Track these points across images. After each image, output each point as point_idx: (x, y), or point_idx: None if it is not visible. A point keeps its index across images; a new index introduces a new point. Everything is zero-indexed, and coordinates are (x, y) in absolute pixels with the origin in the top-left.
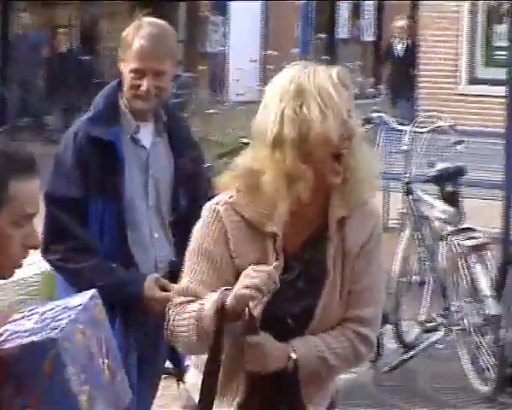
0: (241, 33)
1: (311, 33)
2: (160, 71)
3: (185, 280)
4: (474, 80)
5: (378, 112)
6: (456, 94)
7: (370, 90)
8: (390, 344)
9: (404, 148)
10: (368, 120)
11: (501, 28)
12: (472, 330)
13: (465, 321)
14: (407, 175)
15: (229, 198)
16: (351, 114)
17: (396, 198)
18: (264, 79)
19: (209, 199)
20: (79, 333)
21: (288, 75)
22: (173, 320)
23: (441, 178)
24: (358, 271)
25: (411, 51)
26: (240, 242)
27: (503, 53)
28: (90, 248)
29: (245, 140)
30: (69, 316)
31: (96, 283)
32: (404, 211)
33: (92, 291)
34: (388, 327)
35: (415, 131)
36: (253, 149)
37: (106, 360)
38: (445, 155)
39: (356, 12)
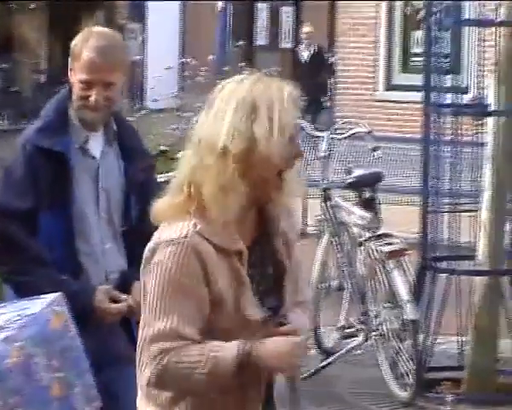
0: (159, 41)
1: (230, 40)
2: (108, 82)
3: (166, 322)
4: (391, 86)
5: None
6: (373, 100)
7: None
8: (310, 350)
9: (322, 154)
10: None
11: (417, 34)
12: (390, 335)
13: (384, 326)
14: (325, 181)
15: (195, 227)
16: (297, 134)
17: (314, 204)
18: (182, 86)
19: None
20: (16, 352)
21: (244, 88)
22: (166, 366)
23: (359, 184)
24: (295, 260)
25: (318, 56)
26: (215, 268)
27: (420, 59)
28: (39, 260)
29: (163, 148)
30: (13, 329)
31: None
32: (323, 217)
33: (54, 296)
34: None
35: (332, 138)
36: (194, 159)
37: (57, 374)
38: (363, 160)
39: (274, 19)
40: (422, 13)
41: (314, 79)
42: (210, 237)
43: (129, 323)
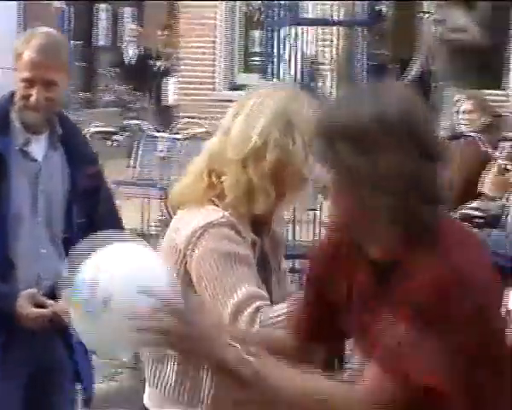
0: None
1: (70, 41)
2: (50, 81)
3: (240, 290)
4: (232, 86)
5: (135, 119)
6: (214, 100)
7: (128, 97)
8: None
9: (162, 155)
10: (124, 128)
11: (257, 34)
12: None
13: None
14: (165, 182)
15: (226, 211)
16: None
17: (154, 205)
18: None
19: (111, 216)
20: None
21: (280, 104)
22: (264, 324)
23: None
24: (283, 261)
25: (144, 58)
26: (250, 250)
27: (259, 59)
28: None
29: None
30: None
31: None
32: (163, 218)
33: None
34: None
35: (172, 138)
36: (217, 149)
37: None
38: None
39: (115, 19)
40: (261, 13)
41: (139, 81)
42: (235, 222)
43: (66, 331)
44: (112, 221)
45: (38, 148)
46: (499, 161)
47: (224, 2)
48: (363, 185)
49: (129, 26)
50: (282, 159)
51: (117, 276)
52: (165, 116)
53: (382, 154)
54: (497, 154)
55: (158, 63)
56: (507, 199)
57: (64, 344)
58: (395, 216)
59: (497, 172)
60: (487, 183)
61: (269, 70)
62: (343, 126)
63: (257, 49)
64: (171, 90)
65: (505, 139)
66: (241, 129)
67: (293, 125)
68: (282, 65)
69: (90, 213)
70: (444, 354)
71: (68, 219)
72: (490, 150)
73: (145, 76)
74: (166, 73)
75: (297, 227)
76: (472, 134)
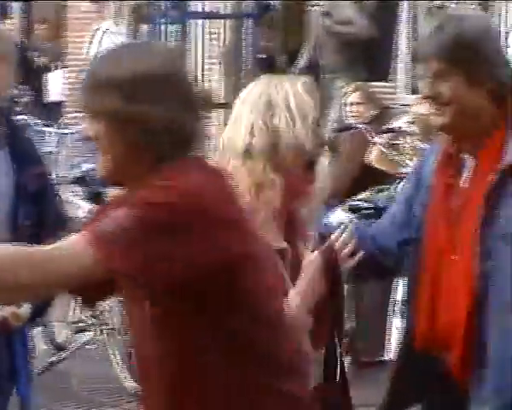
0: None
1: None
2: None
3: None
4: None
5: (22, 114)
6: None
7: (14, 92)
8: (41, 345)
9: (50, 149)
10: None
11: (145, 28)
12: (122, 329)
13: (115, 320)
14: (53, 176)
15: None
16: (319, 122)
17: None
18: None
19: (58, 219)
20: None
21: (257, 90)
22: None
23: (86, 179)
24: None
25: (21, 50)
26: None
27: None
28: None
29: None
30: None
31: None
32: None
33: None
34: (39, 329)
35: (61, 133)
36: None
37: None
38: (90, 156)
39: (3, 13)
40: (150, 6)
41: (21, 75)
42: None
43: (10, 338)
44: (59, 222)
45: None
46: (380, 147)
47: None
48: (132, 131)
49: (9, 21)
50: (272, 141)
51: None
52: (53, 111)
53: (149, 101)
54: (378, 140)
55: (36, 57)
56: (394, 190)
57: (5, 345)
58: (156, 156)
59: (377, 155)
60: (370, 159)
61: None
62: (112, 76)
63: None
64: (58, 85)
65: (391, 130)
66: (230, 135)
67: (275, 103)
68: None
69: (36, 215)
70: (143, 253)
71: (13, 222)
72: (375, 139)
73: (26, 70)
74: (48, 67)
75: None
76: (359, 126)
